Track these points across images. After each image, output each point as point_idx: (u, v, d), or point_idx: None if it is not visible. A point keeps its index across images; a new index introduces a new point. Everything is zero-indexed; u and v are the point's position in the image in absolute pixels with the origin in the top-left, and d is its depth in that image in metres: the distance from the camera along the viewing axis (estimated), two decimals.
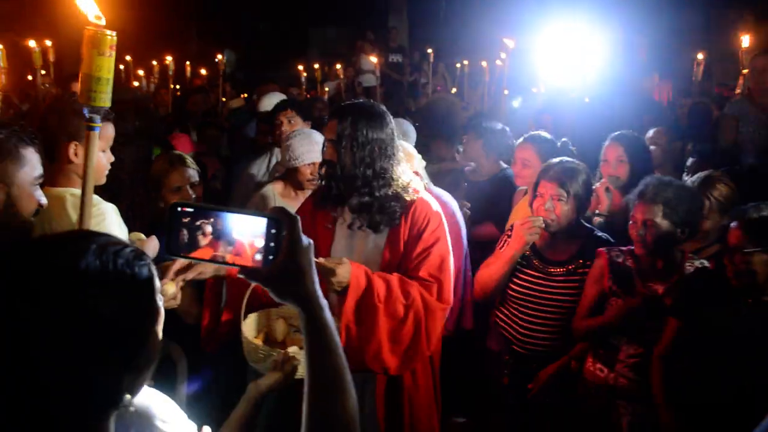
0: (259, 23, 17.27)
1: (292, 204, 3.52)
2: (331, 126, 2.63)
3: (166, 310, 1.18)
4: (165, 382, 2.73)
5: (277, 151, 4.46)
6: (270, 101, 5.53)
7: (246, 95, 9.97)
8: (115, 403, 1.04)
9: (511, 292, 3.20)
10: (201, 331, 2.67)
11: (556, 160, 3.20)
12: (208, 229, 1.13)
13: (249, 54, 16.24)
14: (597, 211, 3.56)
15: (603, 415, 2.87)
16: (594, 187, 3.59)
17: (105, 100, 1.78)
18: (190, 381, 2.86)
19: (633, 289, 2.86)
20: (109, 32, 1.74)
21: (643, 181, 2.90)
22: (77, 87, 3.84)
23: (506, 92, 7.57)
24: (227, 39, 15.52)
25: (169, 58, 8.30)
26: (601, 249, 3.00)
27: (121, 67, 9.70)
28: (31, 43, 5.94)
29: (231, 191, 4.79)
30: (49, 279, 0.96)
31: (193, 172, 3.08)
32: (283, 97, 5.63)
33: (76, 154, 2.43)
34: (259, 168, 4.57)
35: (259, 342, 2.43)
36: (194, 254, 1.14)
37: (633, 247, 2.93)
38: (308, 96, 8.72)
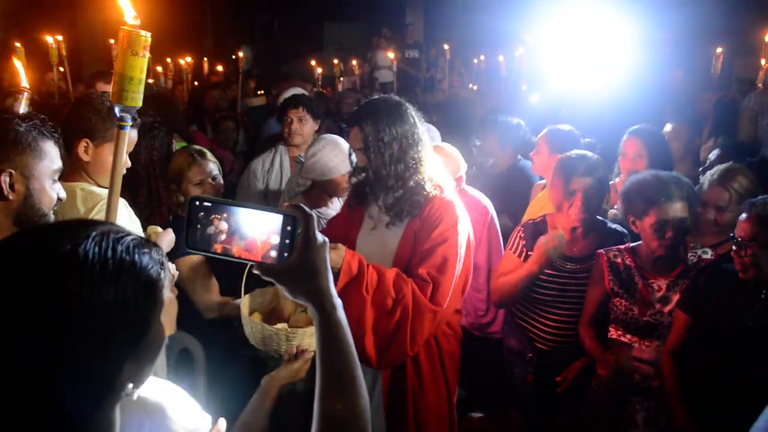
0: (275, 19, 17.31)
1: (327, 213, 3.48)
2: (354, 135, 2.66)
3: (186, 305, 1.18)
4: (183, 375, 2.76)
5: (282, 148, 4.32)
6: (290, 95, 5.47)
7: (262, 92, 10.00)
8: (115, 392, 1.02)
9: (532, 293, 3.16)
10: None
11: (574, 154, 3.17)
12: (225, 224, 1.14)
13: (265, 50, 16.28)
14: (616, 206, 3.53)
15: (618, 410, 2.85)
16: (613, 182, 3.57)
17: (137, 99, 1.78)
18: (208, 374, 2.88)
19: (634, 287, 2.84)
20: (143, 33, 1.74)
21: (660, 180, 2.82)
22: (102, 86, 3.89)
23: (524, 87, 7.53)
24: (243, 36, 15.59)
25: (188, 59, 8.35)
26: (599, 251, 2.97)
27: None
28: (48, 39, 5.96)
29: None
30: (48, 265, 0.96)
31: (213, 166, 3.09)
32: (303, 92, 5.56)
33: (86, 152, 2.44)
34: (263, 163, 4.33)
35: (256, 320, 2.46)
36: (210, 248, 1.15)
37: (631, 245, 2.93)
38: (323, 92, 8.71)
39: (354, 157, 3.31)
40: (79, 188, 2.43)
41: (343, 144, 3.43)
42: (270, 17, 17.43)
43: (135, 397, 1.06)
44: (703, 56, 6.99)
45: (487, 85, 8.77)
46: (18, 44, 5.10)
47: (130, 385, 1.04)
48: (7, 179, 1.65)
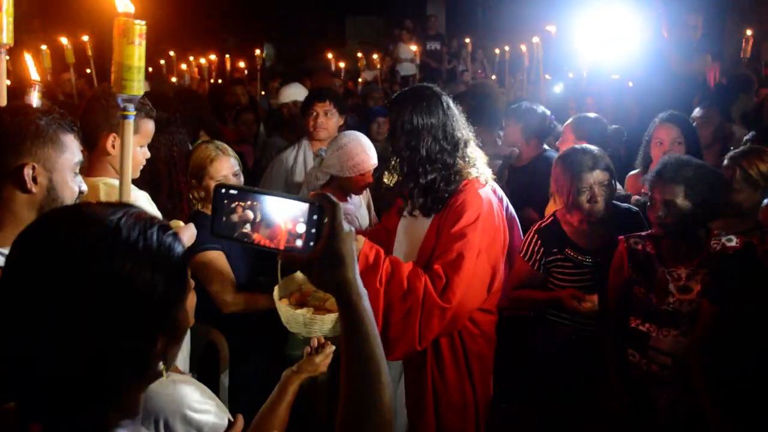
0: (296, 16, 17.36)
1: (346, 209, 3.46)
2: (387, 120, 2.70)
3: (206, 300, 1.18)
4: (207, 370, 2.78)
5: (305, 143, 4.22)
6: (288, 94, 5.46)
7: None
8: (148, 369, 1.05)
9: (560, 288, 3.10)
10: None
11: (580, 148, 3.10)
12: (250, 212, 1.14)
13: (287, 46, 16.34)
14: (638, 195, 3.48)
15: (639, 399, 2.80)
16: (637, 171, 3.51)
17: (137, 88, 1.79)
18: (232, 368, 2.89)
19: (654, 275, 2.76)
20: (138, 21, 1.75)
21: (660, 161, 2.78)
22: None
23: (548, 77, 7.45)
24: (264, 32, 15.65)
25: (211, 57, 8.40)
26: (620, 237, 2.91)
27: (162, 62, 9.87)
28: (63, 41, 6.02)
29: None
30: (93, 242, 0.98)
31: (234, 162, 3.08)
32: (303, 89, 5.52)
33: (113, 146, 2.47)
34: (286, 160, 4.23)
35: (285, 305, 2.50)
36: (235, 235, 1.15)
37: (653, 232, 2.83)
38: (347, 87, 8.71)
39: (375, 155, 3.34)
40: (102, 182, 2.46)
41: (366, 142, 3.39)
42: (291, 13, 17.49)
43: (165, 377, 1.08)
44: (730, 40, 6.85)
45: (511, 75, 8.68)
46: (44, 47, 5.16)
47: (161, 364, 1.06)
48: (30, 172, 1.66)
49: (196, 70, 8.90)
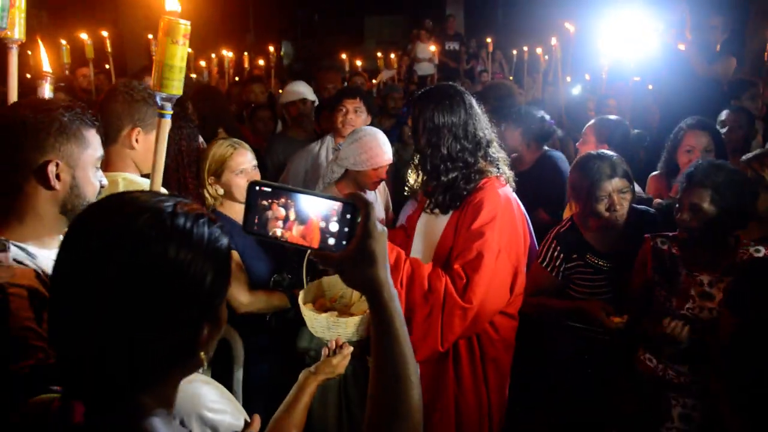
0: (315, 14, 17.40)
1: None
2: (410, 116, 2.70)
3: None
4: (221, 367, 2.77)
5: (329, 140, 4.19)
6: (291, 92, 5.43)
7: None
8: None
9: (580, 294, 3.08)
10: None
11: (597, 154, 3.04)
12: (283, 209, 1.14)
13: (305, 45, 16.39)
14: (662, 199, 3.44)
15: (654, 406, 2.76)
16: (657, 172, 3.46)
17: (177, 87, 1.81)
18: (246, 370, 2.88)
19: (677, 279, 2.71)
20: (183, 21, 1.77)
21: (693, 164, 2.75)
22: (148, 80, 3.94)
23: (569, 79, 7.40)
24: (283, 30, 15.70)
25: (230, 54, 8.42)
26: (647, 235, 2.87)
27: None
28: (83, 36, 6.05)
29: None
30: (139, 230, 1.00)
31: (252, 156, 3.08)
32: (307, 87, 5.50)
33: (137, 141, 2.47)
34: (307, 155, 4.21)
35: (309, 309, 2.53)
36: (268, 233, 1.15)
37: (678, 234, 2.78)
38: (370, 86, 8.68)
39: (390, 152, 3.37)
40: (121, 177, 2.46)
41: (382, 137, 3.40)
42: (311, 12, 17.53)
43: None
44: (754, 42, 6.74)
45: (529, 76, 8.64)
46: (64, 42, 5.19)
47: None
48: (54, 169, 1.66)
49: (215, 69, 8.93)
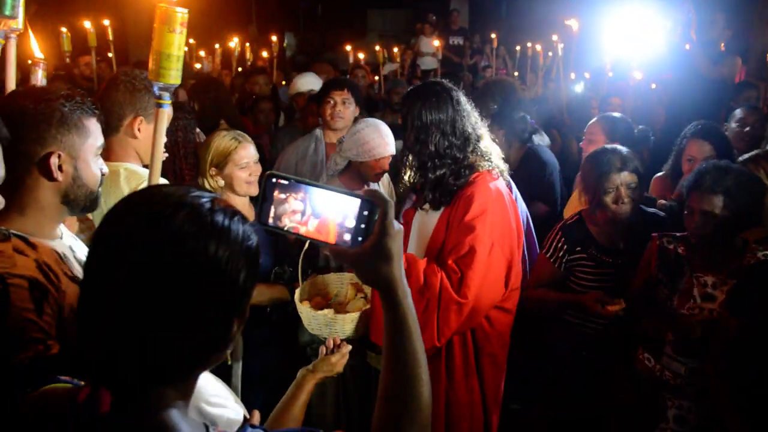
0: (318, 6, 17.35)
1: None
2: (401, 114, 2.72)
3: None
4: (221, 364, 2.77)
5: (319, 134, 4.14)
6: (303, 82, 5.41)
7: None
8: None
9: (579, 288, 3.08)
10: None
11: (611, 148, 3.06)
12: (300, 203, 1.13)
13: (308, 37, 16.34)
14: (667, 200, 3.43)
15: (650, 405, 2.76)
16: (662, 173, 3.45)
17: (175, 77, 1.80)
18: (245, 363, 2.88)
19: (680, 278, 2.71)
20: (179, 9, 1.75)
21: (698, 168, 2.72)
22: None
23: (573, 76, 7.39)
24: (286, 21, 15.65)
25: (235, 40, 8.37)
26: (654, 234, 2.87)
27: (185, 49, 9.85)
28: (86, 24, 6.02)
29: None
30: (178, 225, 1.00)
31: (254, 150, 3.08)
32: (317, 79, 5.47)
33: (139, 130, 2.46)
34: (297, 150, 4.16)
35: (306, 307, 2.54)
36: (283, 226, 1.14)
37: (688, 236, 2.77)
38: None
39: (394, 145, 3.39)
40: (123, 168, 2.45)
41: (384, 128, 3.41)
42: (314, 4, 17.48)
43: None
44: (757, 40, 6.71)
45: (532, 73, 8.62)
46: (64, 29, 5.16)
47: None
48: (56, 161, 1.64)
49: (218, 60, 8.89)
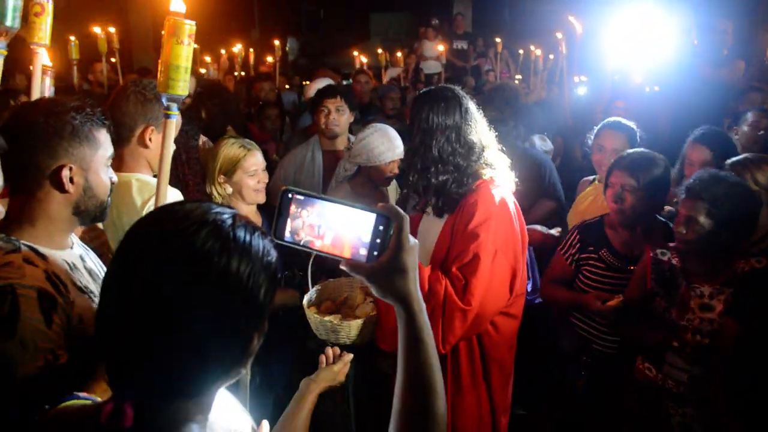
0: (321, 10, 17.38)
1: (369, 201, 3.42)
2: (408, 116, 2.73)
3: None
4: None
5: (315, 142, 4.15)
6: (318, 87, 5.41)
7: (308, 82, 10.02)
8: (240, 366, 1.09)
9: (586, 287, 3.09)
10: None
11: (632, 150, 3.10)
12: (316, 218, 1.14)
13: (311, 41, 16.36)
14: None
15: (653, 414, 2.74)
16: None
17: (183, 88, 1.82)
18: (256, 365, 2.89)
19: (676, 290, 2.69)
20: (188, 21, 1.77)
21: (695, 175, 2.70)
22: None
23: (578, 79, 7.38)
24: (289, 26, 15.68)
25: (238, 46, 8.38)
26: (646, 245, 2.86)
27: None
28: (96, 30, 6.06)
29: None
30: (213, 244, 1.01)
31: (262, 158, 3.10)
32: (332, 82, 5.48)
33: (150, 139, 2.47)
34: (295, 158, 4.18)
35: (313, 313, 2.56)
36: (299, 240, 1.15)
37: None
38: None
39: (402, 149, 3.41)
40: (134, 179, 2.46)
41: (392, 133, 3.47)
42: (316, 8, 17.52)
43: (248, 375, 1.13)
44: (758, 44, 6.68)
45: (535, 76, 8.62)
46: (73, 38, 5.18)
47: (248, 365, 1.11)
48: (68, 173, 1.66)
49: (221, 64, 8.92)
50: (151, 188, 2.40)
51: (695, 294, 2.65)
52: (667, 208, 3.40)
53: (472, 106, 2.67)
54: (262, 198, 3.06)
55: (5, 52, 2.07)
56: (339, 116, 4.02)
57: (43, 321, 1.51)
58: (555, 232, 3.37)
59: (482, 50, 12.21)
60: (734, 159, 2.98)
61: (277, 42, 8.87)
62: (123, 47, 6.96)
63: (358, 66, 8.47)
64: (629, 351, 2.91)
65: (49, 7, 2.21)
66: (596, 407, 3.11)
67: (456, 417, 2.67)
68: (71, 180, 1.67)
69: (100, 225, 2.26)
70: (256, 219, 3.10)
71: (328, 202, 1.14)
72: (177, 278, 0.98)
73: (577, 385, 3.16)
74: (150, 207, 2.33)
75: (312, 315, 2.55)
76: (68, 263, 1.69)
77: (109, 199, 1.79)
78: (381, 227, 1.12)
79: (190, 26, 1.77)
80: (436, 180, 2.60)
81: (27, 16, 2.13)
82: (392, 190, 3.76)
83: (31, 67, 2.37)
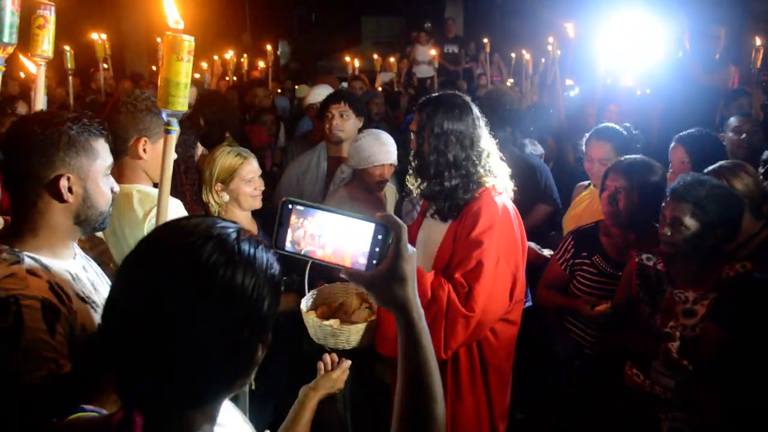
0: (312, 13, 17.39)
1: (364, 206, 3.46)
2: (414, 118, 2.73)
3: None
4: None
5: (322, 148, 4.18)
6: (319, 93, 5.43)
7: (298, 86, 10.00)
8: (246, 376, 1.11)
9: (579, 293, 3.12)
10: None
11: (630, 155, 3.14)
12: (316, 227, 1.16)
13: (302, 44, 16.36)
14: None
15: (643, 418, 2.75)
16: None
17: (183, 104, 1.84)
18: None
19: (661, 296, 2.69)
20: (186, 37, 1.78)
21: (678, 178, 2.72)
22: (148, 87, 3.95)
23: (570, 83, 7.42)
24: (280, 30, 15.67)
25: (230, 53, 8.37)
26: (632, 251, 2.88)
27: None
28: (94, 36, 6.06)
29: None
30: (220, 258, 1.03)
31: (257, 164, 3.13)
32: (331, 89, 5.50)
33: (144, 150, 2.48)
34: (300, 164, 4.20)
35: (312, 317, 2.58)
36: (299, 250, 1.18)
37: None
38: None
39: (395, 155, 3.45)
40: (136, 190, 2.47)
41: (385, 137, 3.48)
42: (308, 11, 17.53)
43: (253, 386, 1.14)
44: (747, 48, 6.72)
45: (527, 80, 8.65)
46: (68, 48, 5.15)
47: (252, 375, 1.13)
48: (66, 183, 1.67)
49: (214, 70, 8.91)
50: (152, 199, 2.41)
51: (679, 299, 2.65)
52: None
53: (478, 112, 2.70)
54: (258, 204, 3.08)
55: (3, 68, 2.08)
56: (343, 122, 4.03)
57: (47, 331, 1.52)
58: (547, 253, 3.37)
59: (473, 54, 12.26)
60: (710, 168, 2.98)
61: (269, 47, 8.87)
62: (116, 53, 6.95)
63: (351, 71, 8.48)
64: (618, 356, 2.91)
65: (52, 19, 2.22)
66: (588, 411, 3.13)
67: (456, 423, 2.69)
68: (70, 190, 1.68)
69: (100, 234, 2.27)
70: (251, 225, 3.11)
71: (328, 212, 1.16)
72: (182, 292, 1.00)
73: (572, 390, 3.18)
74: (152, 218, 2.34)
75: (311, 319, 2.56)
76: (71, 274, 1.70)
77: (111, 208, 1.80)
78: (380, 236, 1.15)
79: (189, 42, 1.79)
80: (449, 184, 2.63)
81: (29, 28, 2.14)
82: (391, 195, 3.76)
83: (21, 74, 2.39)
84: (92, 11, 8.83)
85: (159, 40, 7.35)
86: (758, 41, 5.56)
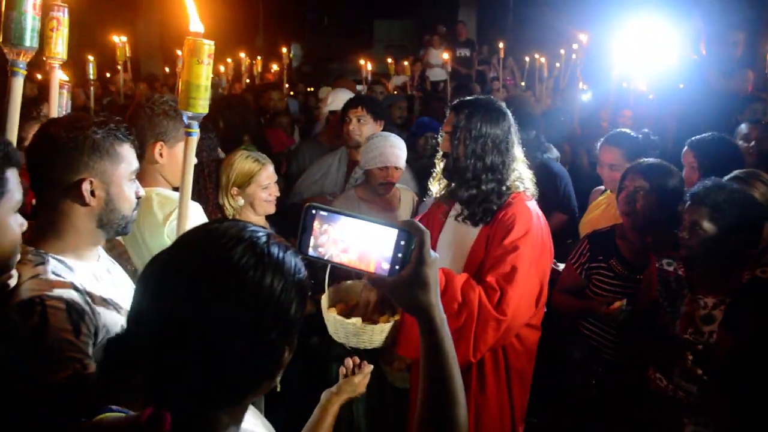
0: (324, 17, 17.44)
1: (372, 207, 3.48)
2: (449, 119, 2.71)
3: None
4: None
5: (343, 151, 4.22)
6: (339, 98, 5.44)
7: (312, 89, 10.05)
8: (272, 379, 1.12)
9: (595, 297, 3.11)
10: None
11: (650, 159, 3.14)
12: (339, 233, 1.17)
13: (314, 47, 16.40)
14: None
15: (666, 422, 2.73)
16: None
17: (203, 106, 1.85)
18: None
19: (681, 301, 2.68)
20: (207, 41, 1.81)
21: (699, 182, 2.72)
22: (162, 89, 3.96)
23: (583, 87, 7.41)
24: (292, 32, 15.73)
25: (242, 55, 8.41)
26: (651, 254, 2.87)
27: None
28: (114, 38, 6.10)
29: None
30: (250, 260, 1.04)
31: (273, 170, 3.16)
32: (351, 94, 5.51)
33: (161, 155, 2.50)
34: (320, 166, 4.23)
35: (334, 314, 2.55)
36: (323, 255, 1.18)
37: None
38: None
39: (403, 159, 3.45)
40: (155, 193, 2.47)
41: (395, 140, 3.49)
42: (320, 14, 17.58)
43: (278, 388, 1.14)
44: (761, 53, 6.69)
45: (541, 83, 8.63)
46: (91, 57, 5.19)
47: (278, 378, 1.14)
48: (88, 187, 1.68)
49: (228, 72, 8.95)
50: (172, 202, 2.43)
51: (699, 306, 2.64)
52: None
53: (511, 118, 2.71)
54: (272, 209, 3.12)
55: (25, 72, 2.10)
56: (360, 126, 4.05)
57: (72, 331, 1.53)
58: (561, 268, 3.36)
59: (486, 57, 12.24)
60: (725, 177, 2.96)
61: (284, 50, 8.90)
62: (131, 55, 6.99)
63: (365, 74, 8.49)
64: (639, 360, 2.91)
65: (65, 20, 2.23)
66: (606, 415, 3.13)
67: (479, 425, 2.69)
68: (92, 193, 1.69)
69: (118, 237, 2.29)
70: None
71: (351, 218, 1.17)
72: (212, 292, 1.01)
73: (588, 394, 3.17)
74: (172, 221, 2.35)
75: (332, 317, 2.53)
76: (95, 275, 1.72)
77: (135, 213, 1.82)
78: (402, 242, 1.15)
79: (209, 46, 1.81)
80: (486, 187, 2.63)
81: (43, 31, 2.15)
82: (407, 198, 3.74)
83: (38, 76, 2.40)
84: (107, 14, 8.92)
85: (179, 53, 7.39)
86: None
